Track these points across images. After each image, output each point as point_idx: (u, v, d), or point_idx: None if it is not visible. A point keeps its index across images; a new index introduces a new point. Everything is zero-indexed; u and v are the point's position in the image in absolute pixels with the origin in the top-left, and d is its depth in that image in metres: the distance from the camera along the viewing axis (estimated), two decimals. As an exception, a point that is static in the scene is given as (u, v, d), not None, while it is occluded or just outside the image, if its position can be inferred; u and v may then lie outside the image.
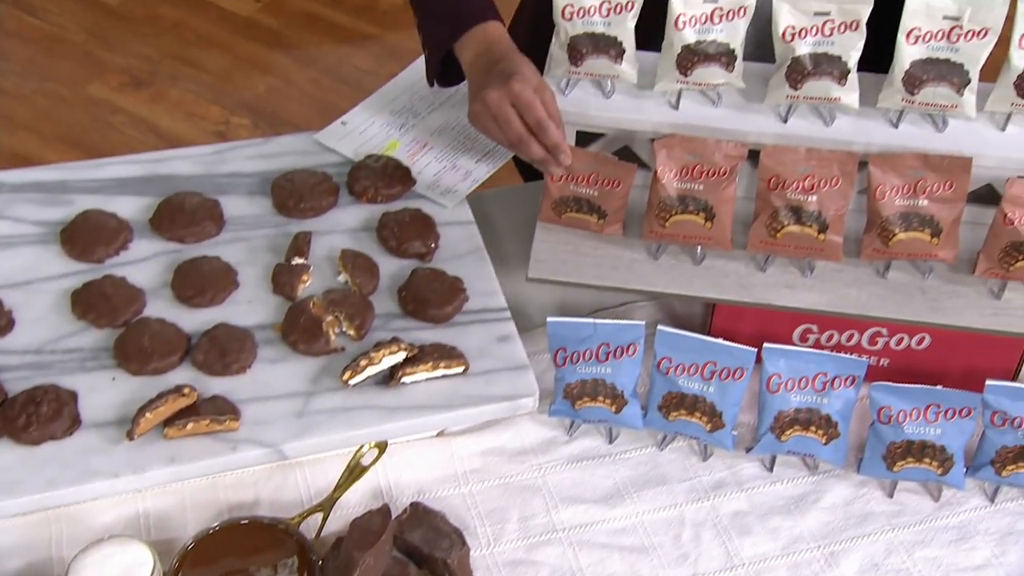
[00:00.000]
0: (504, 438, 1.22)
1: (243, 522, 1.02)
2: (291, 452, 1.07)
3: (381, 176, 1.30)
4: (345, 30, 3.14)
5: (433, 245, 1.25)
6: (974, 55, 1.18)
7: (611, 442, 1.23)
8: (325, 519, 1.08)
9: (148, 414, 1.04)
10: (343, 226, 1.28)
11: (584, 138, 1.29)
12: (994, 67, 1.21)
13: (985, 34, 1.17)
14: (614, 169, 1.23)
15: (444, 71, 1.33)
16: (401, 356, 1.11)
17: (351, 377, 1.10)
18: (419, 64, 1.49)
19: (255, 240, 1.25)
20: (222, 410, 1.05)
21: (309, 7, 3.22)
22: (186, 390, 1.06)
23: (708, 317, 1.27)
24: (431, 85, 1.37)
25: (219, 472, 1.08)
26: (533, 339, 1.27)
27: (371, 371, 1.10)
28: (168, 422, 1.06)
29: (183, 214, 1.24)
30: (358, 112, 1.44)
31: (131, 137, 2.75)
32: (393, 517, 1.03)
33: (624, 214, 1.25)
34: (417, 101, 1.45)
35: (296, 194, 1.27)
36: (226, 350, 1.10)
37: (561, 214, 1.25)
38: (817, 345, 1.27)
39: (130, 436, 1.05)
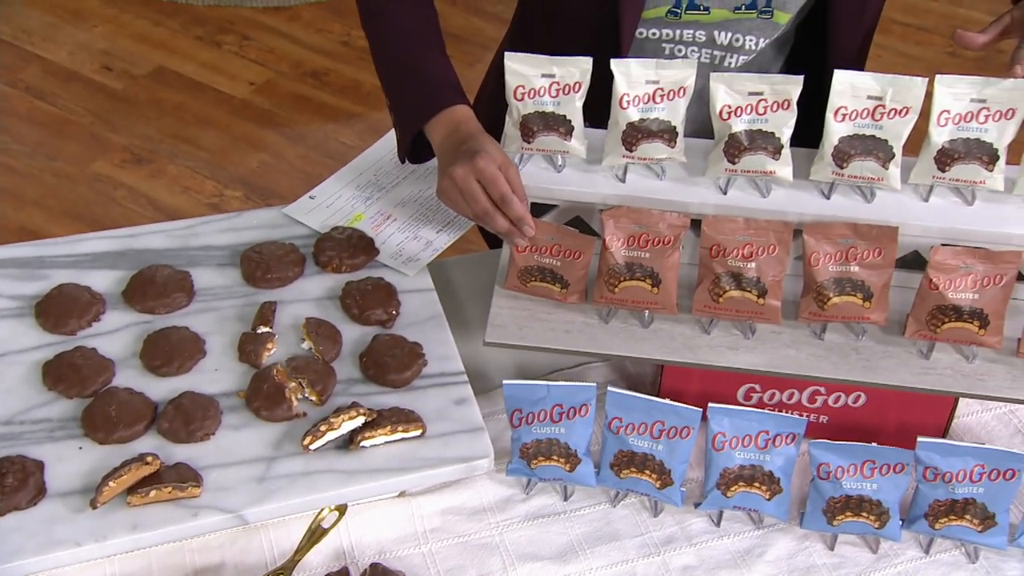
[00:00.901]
0: (463, 497, 1.17)
1: (205, 588, 0.93)
2: (252, 517, 1.00)
3: (346, 247, 1.25)
4: (332, 109, 3.12)
5: (394, 312, 1.19)
6: (897, 131, 1.17)
7: (566, 499, 1.19)
8: None
9: (111, 483, 0.97)
10: (309, 295, 1.23)
11: (538, 208, 1.27)
12: (917, 142, 1.19)
13: (906, 112, 1.16)
14: (575, 241, 1.20)
15: (414, 149, 1.31)
16: (360, 421, 1.04)
17: (311, 442, 1.03)
18: (385, 141, 1.46)
19: (224, 310, 1.20)
20: (184, 477, 0.98)
21: (299, 88, 3.21)
22: (149, 458, 0.99)
23: (658, 377, 1.23)
24: (402, 162, 1.32)
25: (181, 539, 1.01)
26: (492, 400, 1.23)
27: (331, 436, 1.04)
28: (131, 490, 1.00)
29: (154, 286, 1.18)
30: (326, 186, 1.39)
31: (131, 210, 2.71)
32: (353, 579, 0.95)
33: (585, 284, 1.22)
34: (382, 175, 1.41)
35: (264, 265, 1.22)
36: (191, 418, 1.04)
37: (526, 283, 1.22)
38: (760, 403, 1.22)
39: (93, 505, 0.99)
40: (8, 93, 3.08)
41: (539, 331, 1.21)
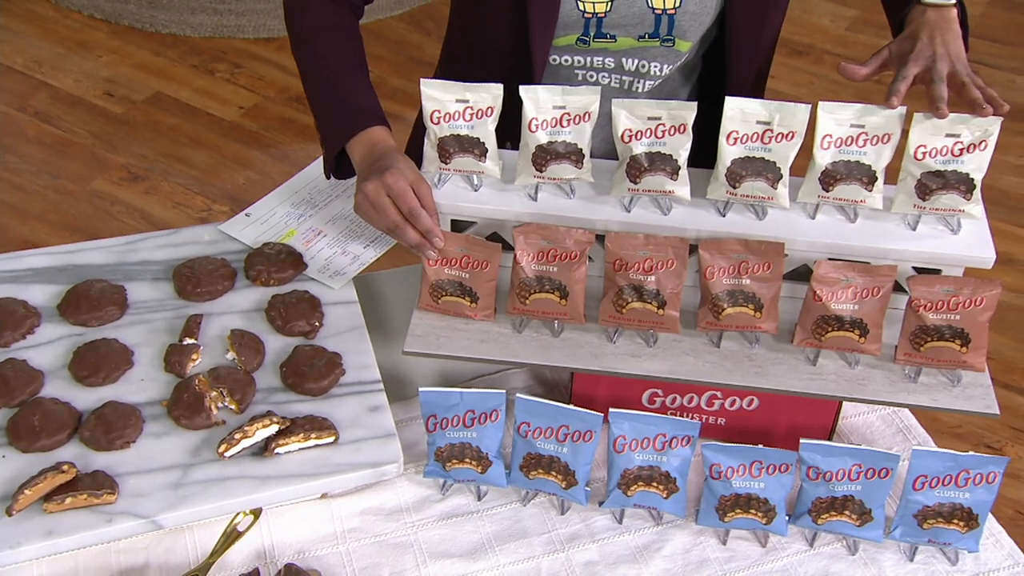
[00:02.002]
0: (382, 498, 1.13)
1: (119, 589, 0.85)
2: (166, 523, 0.95)
3: (275, 261, 1.20)
4: (314, 131, 3.01)
5: (317, 324, 1.13)
6: (784, 154, 1.15)
7: (479, 499, 1.15)
8: None
9: (27, 491, 0.91)
10: (237, 308, 1.18)
11: (457, 226, 1.23)
12: (805, 163, 1.17)
13: (792, 136, 1.14)
14: (482, 250, 1.16)
15: (338, 167, 1.28)
16: (274, 429, 0.98)
17: (227, 449, 0.97)
18: (319, 162, 1.38)
19: (155, 322, 1.14)
20: (100, 484, 0.92)
21: (284, 112, 3.18)
22: (65, 467, 0.93)
23: (571, 383, 1.19)
24: (328, 178, 1.27)
25: (96, 544, 0.94)
26: (415, 406, 1.18)
27: (246, 443, 0.98)
28: (48, 497, 0.92)
29: (88, 300, 1.13)
30: (262, 204, 1.34)
31: (126, 224, 2.68)
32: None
33: (494, 299, 1.18)
34: (316, 194, 1.36)
35: (194, 279, 1.16)
36: (111, 426, 0.99)
37: (438, 299, 1.15)
38: (663, 407, 1.18)
39: (9, 512, 0.93)
40: (17, 117, 3.03)
41: (456, 341, 1.16)
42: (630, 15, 1.21)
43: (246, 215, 1.32)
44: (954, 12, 1.16)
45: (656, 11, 1.21)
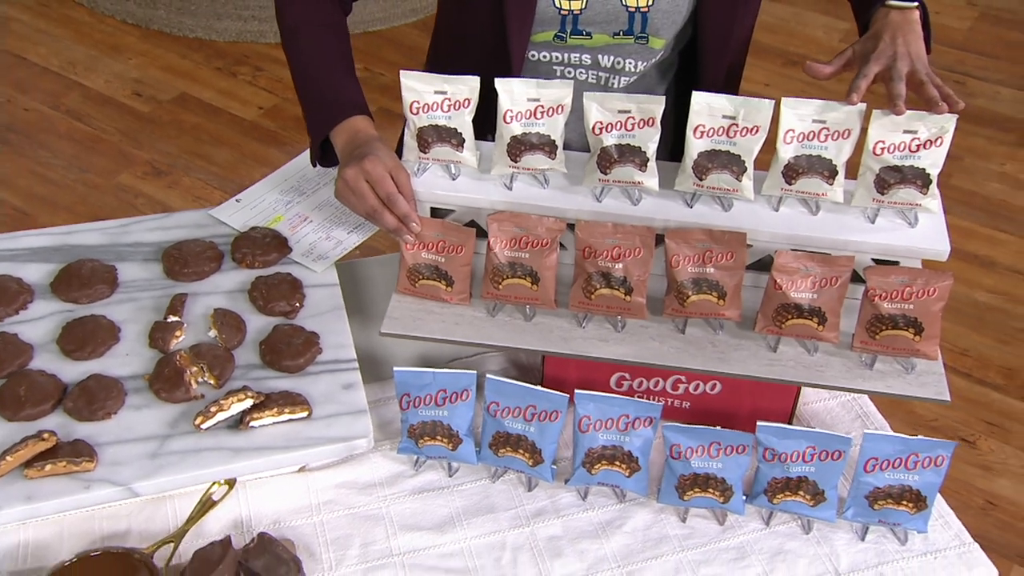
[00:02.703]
0: (357, 472, 1.12)
1: (94, 554, 0.85)
2: (142, 491, 0.94)
3: (260, 245, 1.19)
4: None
5: (298, 304, 1.12)
6: (748, 148, 1.13)
7: (451, 476, 1.14)
8: (175, 549, 0.93)
9: (9, 457, 0.91)
10: (222, 288, 1.17)
11: (436, 214, 1.22)
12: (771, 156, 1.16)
13: (756, 130, 1.12)
14: (457, 235, 1.15)
15: (324, 155, 1.27)
16: (248, 403, 0.97)
17: (203, 422, 0.96)
18: (307, 152, 1.35)
19: (143, 301, 1.14)
20: (79, 452, 0.91)
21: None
22: (46, 435, 0.92)
23: (542, 366, 1.18)
24: (314, 166, 1.25)
25: (74, 509, 0.93)
26: (393, 386, 1.14)
27: (221, 416, 0.96)
28: (29, 464, 0.91)
29: (79, 278, 1.12)
30: (252, 191, 1.33)
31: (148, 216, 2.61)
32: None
33: (469, 282, 1.16)
34: (305, 182, 1.35)
35: (182, 260, 1.15)
36: (94, 398, 0.98)
37: (415, 282, 1.12)
38: (630, 390, 1.16)
39: None
40: (51, 115, 3.05)
41: (431, 323, 1.15)
42: (604, 12, 1.19)
43: (236, 201, 1.31)
44: (916, 14, 1.15)
45: (629, 9, 1.19)
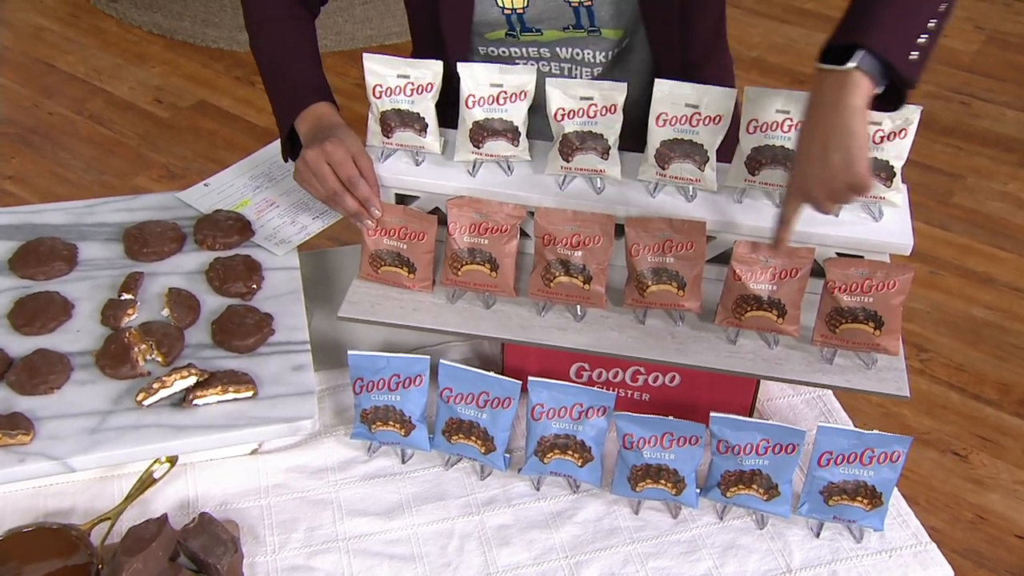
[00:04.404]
0: (309, 456, 1.09)
1: (26, 530, 0.80)
2: (78, 465, 0.90)
3: (222, 227, 1.16)
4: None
5: (255, 286, 1.08)
6: (711, 138, 1.09)
7: (404, 462, 1.10)
8: (111, 527, 0.89)
9: None
10: (181, 269, 1.14)
11: (401, 201, 1.17)
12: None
13: (719, 120, 1.08)
14: (418, 222, 1.11)
15: (293, 148, 1.21)
16: (192, 380, 0.94)
17: (145, 398, 0.93)
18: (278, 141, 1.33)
19: (100, 279, 1.11)
20: (16, 425, 0.88)
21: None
22: None
23: (502, 355, 1.14)
24: (285, 160, 1.23)
25: (7, 482, 0.88)
26: None
27: (164, 393, 0.93)
28: (-37, 435, 0.85)
29: (36, 255, 1.09)
30: (221, 176, 1.30)
31: None
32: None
33: (432, 270, 1.13)
34: (275, 168, 1.33)
35: (142, 240, 1.13)
36: (37, 372, 0.95)
37: (378, 268, 1.07)
38: (590, 380, 1.13)
39: None
40: (74, 119, 3.09)
41: (389, 309, 1.12)
42: (548, 9, 1.14)
43: (204, 185, 1.28)
44: (856, 75, 0.87)
45: (572, 4, 1.13)
